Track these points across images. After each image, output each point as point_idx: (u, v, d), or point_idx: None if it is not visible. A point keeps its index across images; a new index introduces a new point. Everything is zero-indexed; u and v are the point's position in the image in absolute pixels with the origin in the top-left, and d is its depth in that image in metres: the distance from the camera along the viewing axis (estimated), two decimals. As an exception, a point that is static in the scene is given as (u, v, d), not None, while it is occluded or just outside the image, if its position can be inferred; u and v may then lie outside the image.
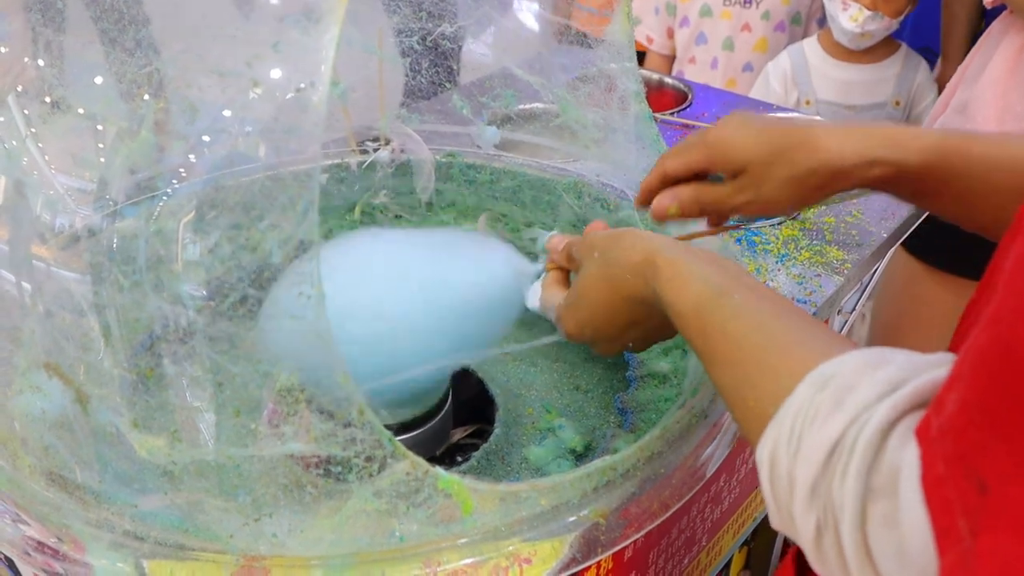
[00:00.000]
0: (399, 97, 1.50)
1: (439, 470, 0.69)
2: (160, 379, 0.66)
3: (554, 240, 0.97)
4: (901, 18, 2.03)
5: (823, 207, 1.36)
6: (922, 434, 0.48)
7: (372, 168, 1.34)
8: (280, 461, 0.66)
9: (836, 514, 0.51)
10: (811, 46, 2.21)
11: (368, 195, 1.36)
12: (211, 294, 0.62)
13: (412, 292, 0.89)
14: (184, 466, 0.67)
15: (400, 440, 1.02)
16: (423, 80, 1.32)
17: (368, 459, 0.66)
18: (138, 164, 0.78)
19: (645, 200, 0.93)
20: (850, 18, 2.01)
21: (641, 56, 2.49)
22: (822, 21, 2.36)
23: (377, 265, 0.91)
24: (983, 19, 2.11)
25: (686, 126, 1.61)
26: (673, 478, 0.80)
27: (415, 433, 1.03)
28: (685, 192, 0.89)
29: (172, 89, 0.72)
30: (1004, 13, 1.68)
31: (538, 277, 0.98)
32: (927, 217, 1.40)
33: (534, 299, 0.97)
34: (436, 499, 0.69)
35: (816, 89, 2.16)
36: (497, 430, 1.10)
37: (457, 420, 1.14)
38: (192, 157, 0.73)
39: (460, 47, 1.26)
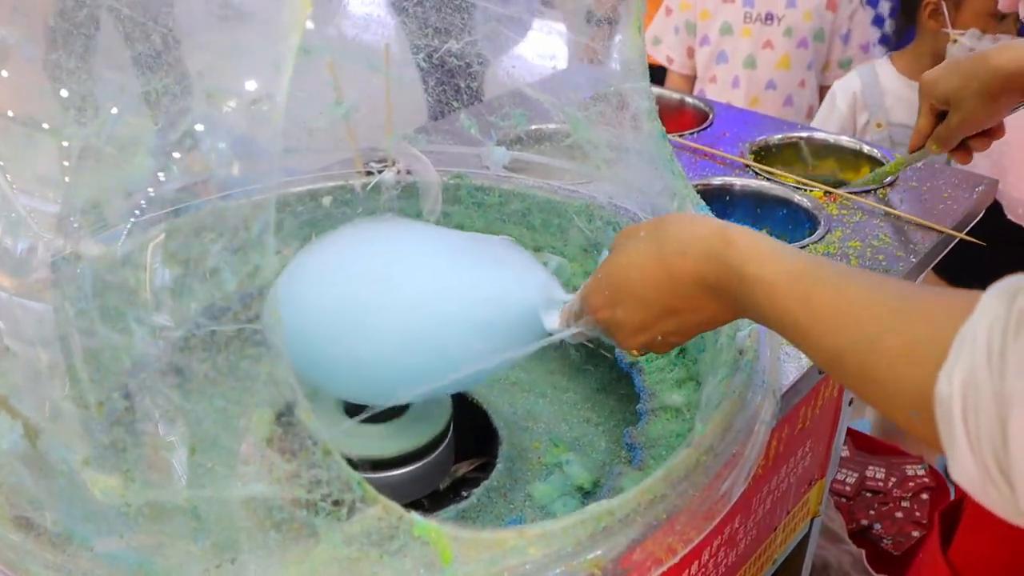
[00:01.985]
0: (422, 117, 1.46)
1: (415, 515, 0.63)
2: (112, 414, 0.61)
3: None
4: None
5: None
6: None
7: (377, 190, 1.29)
8: (242, 503, 0.61)
9: None
10: (884, 68, 2.13)
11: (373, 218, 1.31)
12: (163, 326, 0.57)
13: (425, 298, 0.84)
14: (139, 507, 0.62)
15: (397, 474, 0.98)
16: (430, 99, 1.28)
17: (336, 503, 0.61)
18: (134, 187, 0.73)
19: (916, 148, 1.30)
20: None
21: (661, 76, 2.44)
22: (846, 38, 2.30)
23: (398, 260, 0.87)
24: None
25: (696, 151, 1.54)
26: (678, 523, 0.74)
27: (414, 467, 0.98)
28: (933, 135, 1.24)
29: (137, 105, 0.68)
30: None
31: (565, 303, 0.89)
32: (959, 241, 1.34)
33: (553, 319, 0.88)
34: (412, 547, 0.63)
35: (889, 111, 2.09)
36: (499, 465, 1.04)
37: (463, 453, 1.09)
38: (162, 176, 0.69)
39: (469, 64, 1.21)
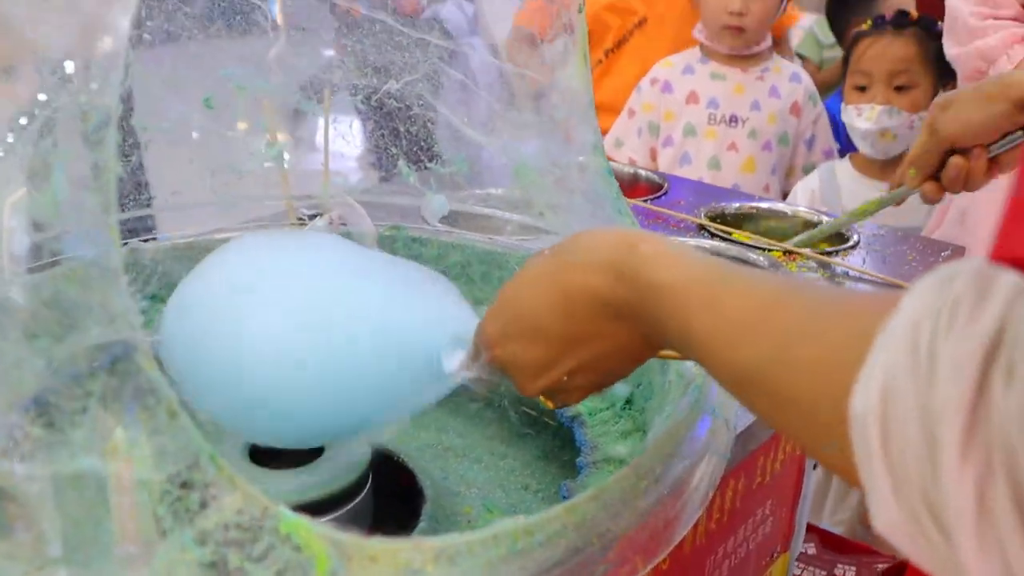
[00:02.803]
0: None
1: (282, 508, 0.52)
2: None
3: None
4: (923, 114, 1.89)
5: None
6: None
7: (307, 240, 1.21)
8: (70, 482, 0.49)
9: (1011, 440, 0.34)
10: (842, 167, 2.13)
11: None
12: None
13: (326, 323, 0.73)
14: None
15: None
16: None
17: (184, 485, 0.49)
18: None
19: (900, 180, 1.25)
20: (865, 118, 1.92)
21: (624, 179, 2.41)
22: (810, 143, 2.29)
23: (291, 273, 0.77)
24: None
25: (650, 215, 1.49)
26: (611, 552, 0.63)
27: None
28: (916, 157, 1.22)
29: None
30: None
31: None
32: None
33: (454, 361, 0.76)
34: (281, 552, 0.52)
35: (845, 207, 2.05)
36: (422, 524, 0.92)
37: (390, 526, 0.97)
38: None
39: (409, 107, 1.15)
